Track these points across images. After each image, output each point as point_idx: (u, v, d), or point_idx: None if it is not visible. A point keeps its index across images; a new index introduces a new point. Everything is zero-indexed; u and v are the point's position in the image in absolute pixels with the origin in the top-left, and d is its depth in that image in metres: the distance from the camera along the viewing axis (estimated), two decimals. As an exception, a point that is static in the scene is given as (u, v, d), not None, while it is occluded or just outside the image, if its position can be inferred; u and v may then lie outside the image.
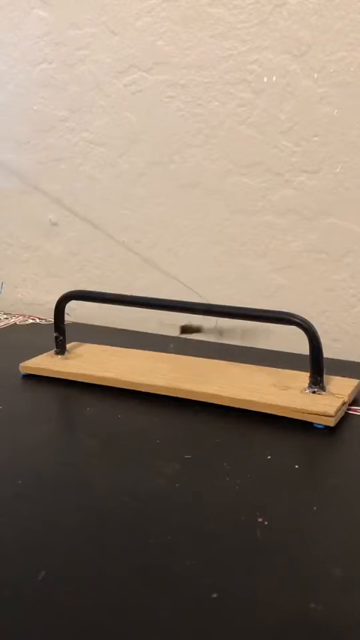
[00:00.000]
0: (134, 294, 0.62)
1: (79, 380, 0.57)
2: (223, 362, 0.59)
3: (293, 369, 0.56)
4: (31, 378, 0.59)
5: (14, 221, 0.88)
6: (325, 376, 0.52)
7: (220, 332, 0.59)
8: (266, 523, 0.36)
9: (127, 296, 0.59)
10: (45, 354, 0.62)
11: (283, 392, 0.51)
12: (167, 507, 0.38)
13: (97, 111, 0.78)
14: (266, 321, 0.54)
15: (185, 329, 0.59)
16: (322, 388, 0.51)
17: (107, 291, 0.61)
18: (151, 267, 0.78)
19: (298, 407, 0.49)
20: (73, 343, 0.64)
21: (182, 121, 0.73)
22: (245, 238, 0.72)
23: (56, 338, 0.61)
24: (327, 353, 0.52)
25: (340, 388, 0.52)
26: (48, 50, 0.80)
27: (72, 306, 0.61)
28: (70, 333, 0.63)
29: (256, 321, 0.55)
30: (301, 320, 0.50)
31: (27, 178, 0.85)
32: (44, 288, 0.88)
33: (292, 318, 0.51)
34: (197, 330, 0.59)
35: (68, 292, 0.61)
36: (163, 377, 0.55)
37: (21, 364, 0.60)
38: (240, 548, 0.34)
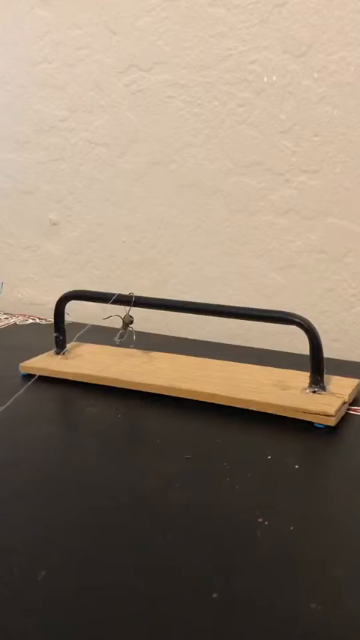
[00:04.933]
0: (134, 294, 0.62)
1: (79, 380, 0.57)
2: (223, 362, 0.59)
3: (293, 369, 0.55)
4: (31, 378, 0.59)
5: (14, 221, 0.88)
6: (325, 376, 0.52)
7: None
8: (266, 523, 0.36)
9: (126, 296, 0.59)
10: (45, 354, 0.62)
11: (283, 392, 0.51)
12: (167, 507, 0.38)
13: (97, 111, 0.78)
14: (266, 321, 0.54)
15: None
16: (323, 388, 0.51)
17: (107, 291, 0.61)
18: (151, 267, 0.78)
19: (299, 406, 0.49)
20: (73, 343, 0.64)
21: (182, 121, 0.73)
22: (245, 238, 0.72)
23: (56, 338, 0.61)
24: (327, 353, 0.52)
25: (341, 388, 0.52)
26: (48, 50, 0.80)
27: (72, 306, 0.61)
28: (70, 333, 0.63)
29: (256, 321, 0.55)
30: (301, 320, 0.50)
31: (27, 178, 0.85)
32: (44, 288, 0.88)
33: (292, 318, 0.51)
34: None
35: (68, 292, 0.61)
36: (163, 377, 0.55)
37: (21, 364, 0.60)
38: (240, 548, 0.34)
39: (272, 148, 0.68)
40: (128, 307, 0.58)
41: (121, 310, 0.59)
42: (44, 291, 0.87)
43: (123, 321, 0.59)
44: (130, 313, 0.59)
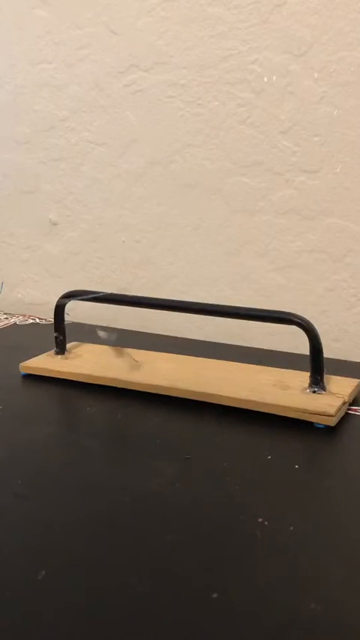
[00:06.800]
0: (134, 294, 0.62)
1: (79, 380, 0.57)
2: (223, 362, 0.59)
3: (293, 369, 0.55)
4: (31, 378, 0.59)
5: (14, 221, 0.88)
6: (325, 376, 0.52)
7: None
8: (266, 523, 0.36)
9: (126, 296, 0.59)
10: (45, 354, 0.62)
11: (283, 392, 0.51)
12: (167, 507, 0.38)
13: (97, 111, 0.78)
14: (266, 321, 0.54)
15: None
16: (323, 388, 0.51)
17: (107, 291, 0.61)
18: (151, 267, 0.78)
19: (299, 406, 0.49)
20: (73, 343, 0.64)
21: (182, 121, 0.73)
22: (245, 238, 0.72)
23: (56, 338, 0.61)
24: (327, 353, 0.52)
25: (341, 388, 0.52)
26: (48, 50, 0.80)
27: (72, 306, 0.61)
28: (70, 333, 0.63)
29: (256, 321, 0.55)
30: (301, 320, 0.50)
31: (27, 178, 0.85)
32: (44, 288, 0.88)
33: (292, 318, 0.51)
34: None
35: (68, 292, 0.61)
36: (164, 377, 0.55)
37: (21, 364, 0.60)
38: (240, 548, 0.34)
39: (272, 148, 0.68)
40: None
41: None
42: (44, 291, 0.87)
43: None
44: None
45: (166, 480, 0.41)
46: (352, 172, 0.65)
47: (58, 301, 0.61)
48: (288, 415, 0.49)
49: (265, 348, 0.67)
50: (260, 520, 0.36)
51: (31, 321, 0.80)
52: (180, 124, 0.73)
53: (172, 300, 0.59)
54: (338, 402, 0.49)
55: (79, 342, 0.65)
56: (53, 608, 0.31)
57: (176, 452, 0.45)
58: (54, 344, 0.61)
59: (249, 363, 0.58)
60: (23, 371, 0.60)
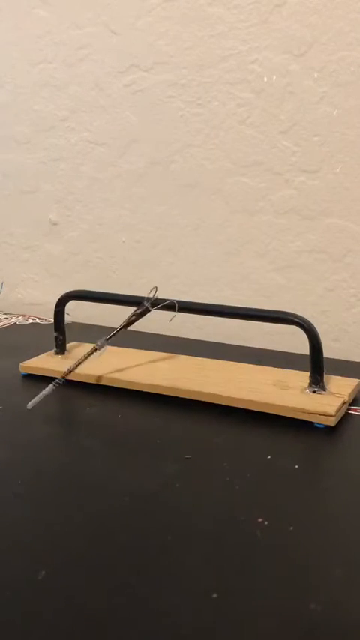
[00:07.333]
0: (134, 294, 0.62)
1: (79, 380, 0.57)
2: (223, 362, 0.59)
3: (293, 369, 0.55)
4: (31, 378, 0.59)
5: (14, 221, 0.88)
6: (325, 376, 0.52)
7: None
8: (266, 523, 0.36)
9: (127, 296, 0.59)
10: (45, 354, 0.62)
11: (283, 392, 0.51)
12: (167, 507, 0.38)
13: (97, 111, 0.78)
14: (266, 321, 0.54)
15: None
16: (323, 388, 0.51)
17: (107, 291, 0.61)
18: (151, 267, 0.78)
19: (299, 406, 0.49)
20: (73, 343, 0.64)
21: (182, 121, 0.73)
22: (245, 238, 0.72)
23: (56, 338, 0.61)
24: (327, 353, 0.52)
25: (341, 388, 0.52)
26: (48, 50, 0.80)
27: (72, 306, 0.61)
28: (70, 333, 0.63)
29: (256, 321, 0.55)
30: (301, 320, 0.50)
31: (27, 178, 0.85)
32: (44, 288, 0.88)
33: (292, 318, 0.51)
34: None
35: (68, 292, 0.61)
36: (163, 377, 0.55)
37: (21, 364, 0.60)
38: (240, 548, 0.34)
39: (272, 148, 0.68)
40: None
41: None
42: (44, 291, 0.87)
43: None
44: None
45: (166, 480, 0.41)
46: (352, 172, 0.65)
47: (58, 301, 0.61)
48: (288, 415, 0.49)
49: (265, 348, 0.67)
50: (260, 520, 0.36)
51: (31, 321, 0.80)
52: (180, 124, 0.73)
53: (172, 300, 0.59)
54: (338, 402, 0.49)
55: (79, 342, 0.65)
56: (53, 608, 0.31)
57: (176, 452, 0.45)
58: (54, 344, 0.61)
59: (249, 363, 0.58)
60: (23, 371, 0.60)
